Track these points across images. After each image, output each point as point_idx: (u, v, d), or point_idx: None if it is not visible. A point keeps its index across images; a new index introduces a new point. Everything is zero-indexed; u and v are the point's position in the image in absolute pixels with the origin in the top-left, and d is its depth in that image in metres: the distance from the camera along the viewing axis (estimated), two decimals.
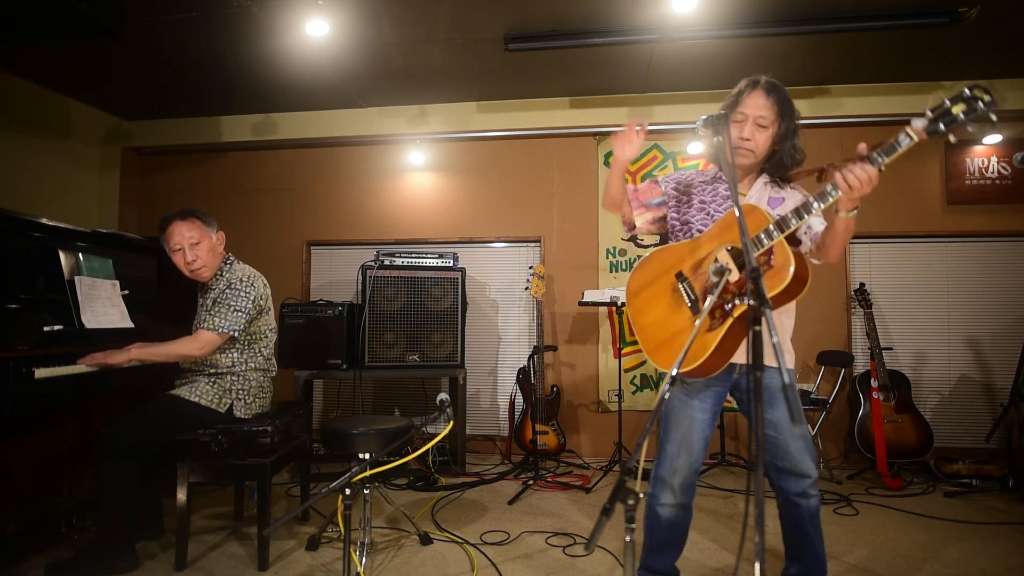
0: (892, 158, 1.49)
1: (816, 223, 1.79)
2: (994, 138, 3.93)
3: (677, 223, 1.92)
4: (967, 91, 1.36)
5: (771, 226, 1.59)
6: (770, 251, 1.63)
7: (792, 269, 1.54)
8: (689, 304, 1.73)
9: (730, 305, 1.63)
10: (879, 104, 3.91)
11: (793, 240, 1.63)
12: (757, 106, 1.78)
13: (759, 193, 1.85)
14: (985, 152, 4.01)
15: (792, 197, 1.84)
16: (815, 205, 1.57)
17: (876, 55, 3.51)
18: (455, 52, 3.47)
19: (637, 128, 1.77)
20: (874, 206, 4.00)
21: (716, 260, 1.64)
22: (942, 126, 1.42)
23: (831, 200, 1.56)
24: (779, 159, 1.81)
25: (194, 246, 2.44)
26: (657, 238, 4.22)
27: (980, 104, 1.37)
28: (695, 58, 3.54)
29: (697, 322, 1.56)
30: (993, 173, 4.00)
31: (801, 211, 1.57)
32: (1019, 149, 3.91)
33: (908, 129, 1.45)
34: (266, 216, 4.56)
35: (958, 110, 1.39)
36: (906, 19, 3.03)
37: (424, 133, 4.31)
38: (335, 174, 4.54)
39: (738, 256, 1.62)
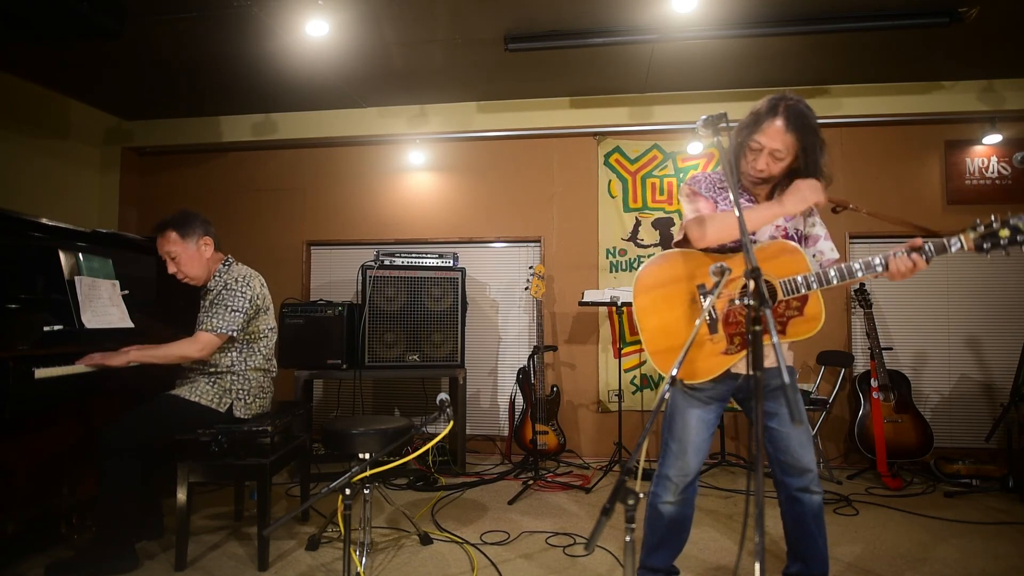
0: (940, 256, 1.62)
1: (827, 249, 1.83)
2: (994, 138, 3.93)
3: None
4: (1014, 220, 1.51)
5: (811, 276, 1.64)
6: (804, 299, 1.68)
7: (822, 322, 1.63)
8: (708, 322, 1.75)
9: (751, 336, 1.65)
10: (879, 104, 3.91)
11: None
12: (774, 138, 1.69)
13: None
14: (985, 152, 4.01)
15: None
16: (859, 272, 1.63)
17: (876, 55, 3.51)
18: (455, 52, 3.47)
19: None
20: (874, 206, 4.00)
21: (747, 287, 1.64)
22: (988, 245, 1.57)
23: (874, 273, 1.64)
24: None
25: (172, 260, 2.47)
26: (657, 238, 4.23)
27: (1021, 237, 1.53)
28: (695, 58, 3.54)
29: (727, 345, 1.59)
30: (993, 173, 4.00)
31: (845, 273, 1.63)
32: (1019, 149, 3.92)
33: (962, 237, 1.59)
34: (266, 216, 4.55)
35: (1004, 234, 1.54)
36: (906, 19, 3.03)
37: (424, 133, 4.31)
38: (335, 174, 4.54)
39: (772, 292, 1.65)
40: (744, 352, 1.69)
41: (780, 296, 1.66)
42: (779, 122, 1.68)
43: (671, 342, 1.78)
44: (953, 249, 1.59)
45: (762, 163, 1.73)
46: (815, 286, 1.63)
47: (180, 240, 2.47)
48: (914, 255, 1.60)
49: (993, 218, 1.54)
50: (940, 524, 2.85)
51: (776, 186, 1.83)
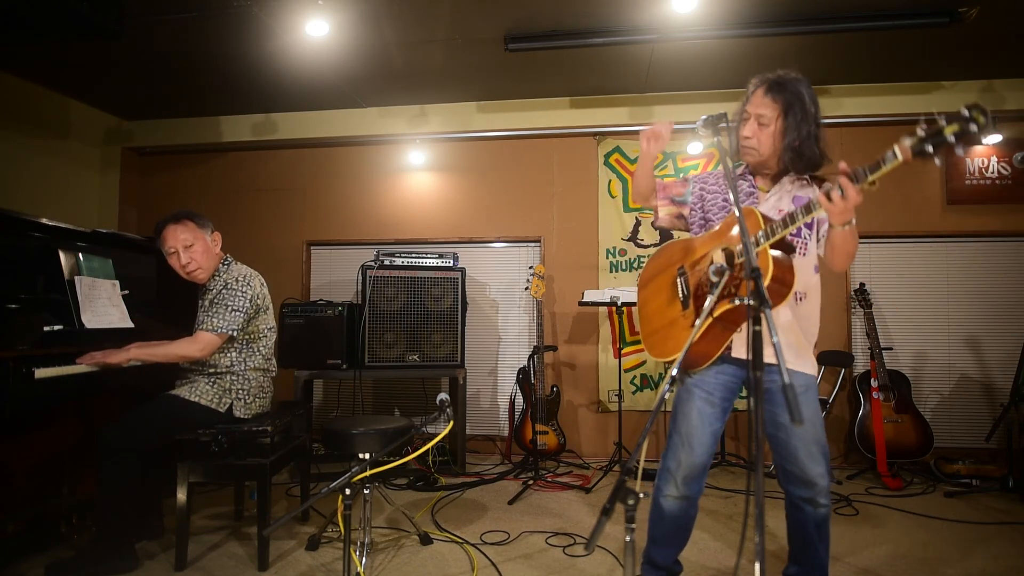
0: (878, 175, 1.43)
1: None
2: (994, 138, 3.94)
3: (700, 220, 1.93)
4: (964, 111, 1.27)
5: (759, 233, 1.57)
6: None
7: (770, 275, 1.52)
8: (681, 299, 1.78)
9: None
10: (879, 104, 3.91)
11: (786, 245, 1.59)
12: (757, 104, 1.76)
13: (779, 192, 1.81)
14: (985, 152, 4.01)
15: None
16: (800, 215, 1.53)
17: (876, 55, 3.51)
18: (455, 52, 3.47)
19: (666, 128, 1.85)
20: (874, 206, 4.00)
21: (713, 261, 1.64)
22: (930, 147, 1.33)
23: (813, 213, 1.52)
24: (793, 156, 1.74)
25: (188, 248, 2.44)
26: (658, 238, 4.23)
27: (973, 126, 1.26)
28: (695, 58, 3.54)
29: (695, 319, 1.57)
30: (993, 173, 4.00)
31: (787, 220, 1.54)
32: (1019, 149, 3.92)
33: (896, 147, 1.38)
34: (266, 216, 4.56)
35: (950, 131, 1.29)
36: (906, 19, 3.04)
37: (424, 133, 4.31)
38: (335, 174, 4.54)
39: (730, 258, 1.62)
40: (707, 322, 1.60)
41: (736, 259, 1.62)
42: (762, 88, 1.76)
43: (656, 324, 1.87)
44: (888, 163, 1.39)
45: (747, 129, 1.78)
46: (763, 240, 1.56)
47: (197, 229, 2.48)
48: (842, 179, 1.45)
49: (937, 114, 1.31)
50: (940, 524, 2.85)
51: (781, 172, 1.81)
